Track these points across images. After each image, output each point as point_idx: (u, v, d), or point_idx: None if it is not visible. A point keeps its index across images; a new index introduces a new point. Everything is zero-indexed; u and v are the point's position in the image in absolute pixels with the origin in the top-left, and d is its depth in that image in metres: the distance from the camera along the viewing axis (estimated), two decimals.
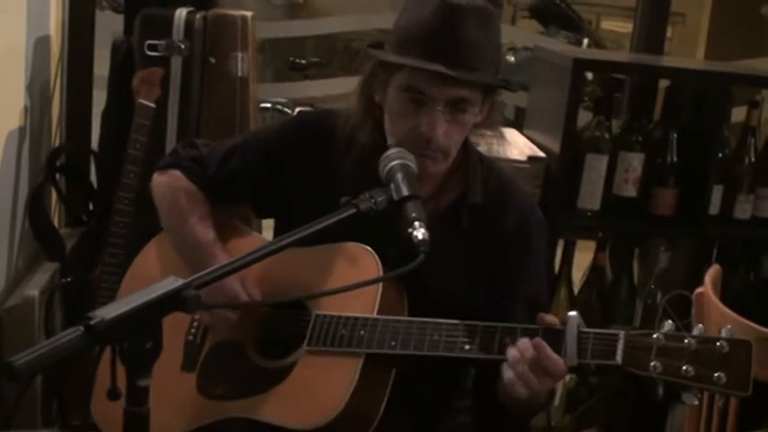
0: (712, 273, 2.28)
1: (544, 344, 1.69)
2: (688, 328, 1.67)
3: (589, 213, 2.93)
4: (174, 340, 1.95)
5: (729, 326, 1.67)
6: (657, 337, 1.65)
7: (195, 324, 2.02)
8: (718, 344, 1.62)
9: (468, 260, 1.93)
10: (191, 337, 2.01)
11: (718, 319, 2.09)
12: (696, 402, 1.67)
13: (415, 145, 1.79)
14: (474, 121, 1.88)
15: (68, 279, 3.06)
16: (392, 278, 1.83)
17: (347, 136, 1.95)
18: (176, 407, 1.93)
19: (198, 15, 3.04)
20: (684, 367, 1.62)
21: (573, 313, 1.72)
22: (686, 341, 1.63)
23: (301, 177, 2.00)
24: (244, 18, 3.09)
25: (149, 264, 2.15)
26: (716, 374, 1.61)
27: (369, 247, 1.86)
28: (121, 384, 1.29)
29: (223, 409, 1.91)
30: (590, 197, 2.92)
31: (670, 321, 1.68)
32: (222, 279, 1.47)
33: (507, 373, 1.72)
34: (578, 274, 3.10)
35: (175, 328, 1.85)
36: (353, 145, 1.94)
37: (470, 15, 1.78)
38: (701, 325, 1.67)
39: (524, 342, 1.71)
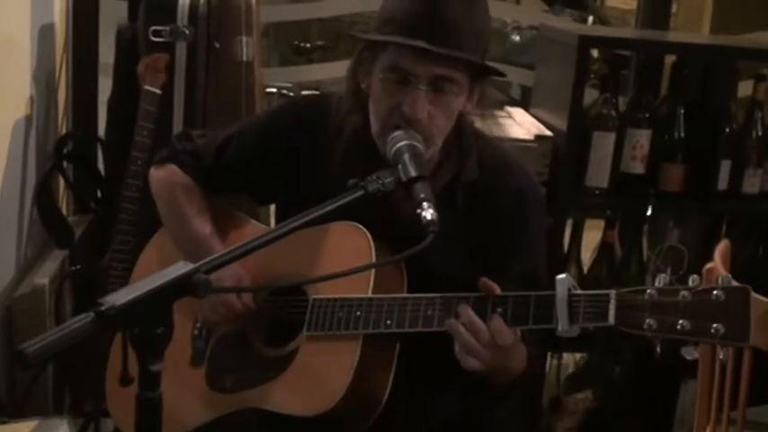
0: (722, 248, 2.28)
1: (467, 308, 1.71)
2: (682, 281, 1.60)
3: (597, 191, 2.92)
4: (181, 337, 1.96)
5: (725, 274, 1.60)
6: (650, 293, 1.59)
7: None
8: (714, 293, 1.55)
9: (465, 239, 1.92)
10: (196, 332, 2.02)
11: None
12: (696, 356, 1.60)
13: (395, 126, 1.77)
14: (463, 110, 1.86)
15: (78, 267, 3.07)
16: (400, 260, 1.83)
17: (338, 121, 1.95)
18: (188, 402, 1.95)
19: (202, 0, 3.03)
20: (681, 322, 1.55)
21: (562, 276, 1.67)
22: (681, 294, 1.56)
23: (296, 161, 2.00)
24: (248, 2, 3.08)
25: (158, 254, 2.15)
26: (714, 326, 1.54)
27: (360, 225, 1.85)
28: (133, 370, 1.30)
29: (233, 401, 1.92)
30: (598, 175, 2.91)
31: (664, 275, 1.61)
32: (229, 264, 1.46)
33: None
34: (587, 254, 3.09)
35: (182, 324, 1.85)
36: (343, 130, 1.94)
37: None
38: (695, 275, 1.60)
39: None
